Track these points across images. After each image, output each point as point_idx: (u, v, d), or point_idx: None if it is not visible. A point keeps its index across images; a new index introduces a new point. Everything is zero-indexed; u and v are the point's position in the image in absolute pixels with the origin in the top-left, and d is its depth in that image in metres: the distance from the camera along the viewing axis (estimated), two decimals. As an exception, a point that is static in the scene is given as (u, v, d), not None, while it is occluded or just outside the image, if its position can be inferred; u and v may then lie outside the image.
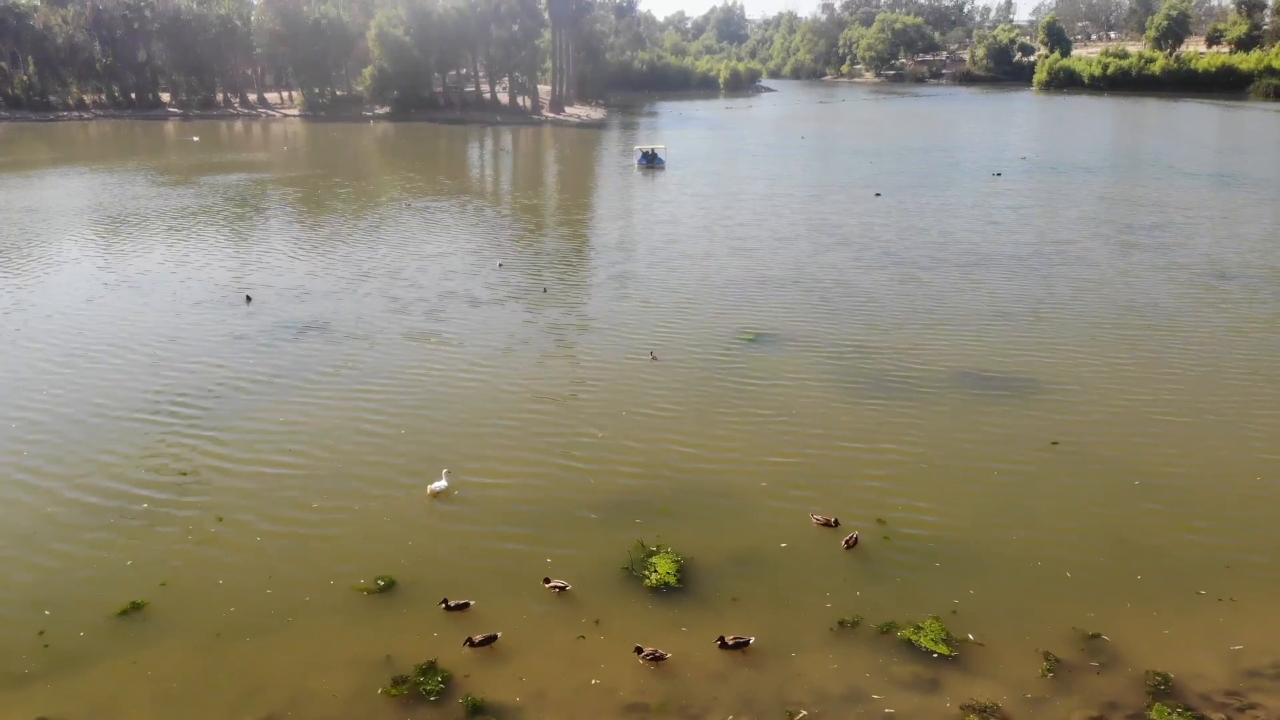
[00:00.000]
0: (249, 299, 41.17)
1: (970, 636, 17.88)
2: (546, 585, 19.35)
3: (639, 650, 17.21)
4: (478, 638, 17.58)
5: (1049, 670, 17.00)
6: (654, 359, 33.36)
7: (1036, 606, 18.99)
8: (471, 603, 18.78)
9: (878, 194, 72.44)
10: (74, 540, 21.47)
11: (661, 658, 17.09)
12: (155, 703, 16.41)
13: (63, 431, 27.33)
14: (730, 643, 17.40)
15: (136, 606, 18.89)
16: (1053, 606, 18.95)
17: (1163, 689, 16.58)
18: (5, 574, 20.18)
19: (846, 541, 20.83)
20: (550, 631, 18.24)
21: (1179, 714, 15.92)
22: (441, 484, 23.59)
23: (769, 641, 17.82)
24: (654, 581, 19.68)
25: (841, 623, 18.39)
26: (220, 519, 22.24)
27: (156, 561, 20.50)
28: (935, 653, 17.41)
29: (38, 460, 25.45)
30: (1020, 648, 17.66)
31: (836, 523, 21.50)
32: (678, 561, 20.33)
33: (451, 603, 18.69)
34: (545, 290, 43.27)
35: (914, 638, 17.80)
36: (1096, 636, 17.93)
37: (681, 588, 19.60)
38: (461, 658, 17.36)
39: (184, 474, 24.57)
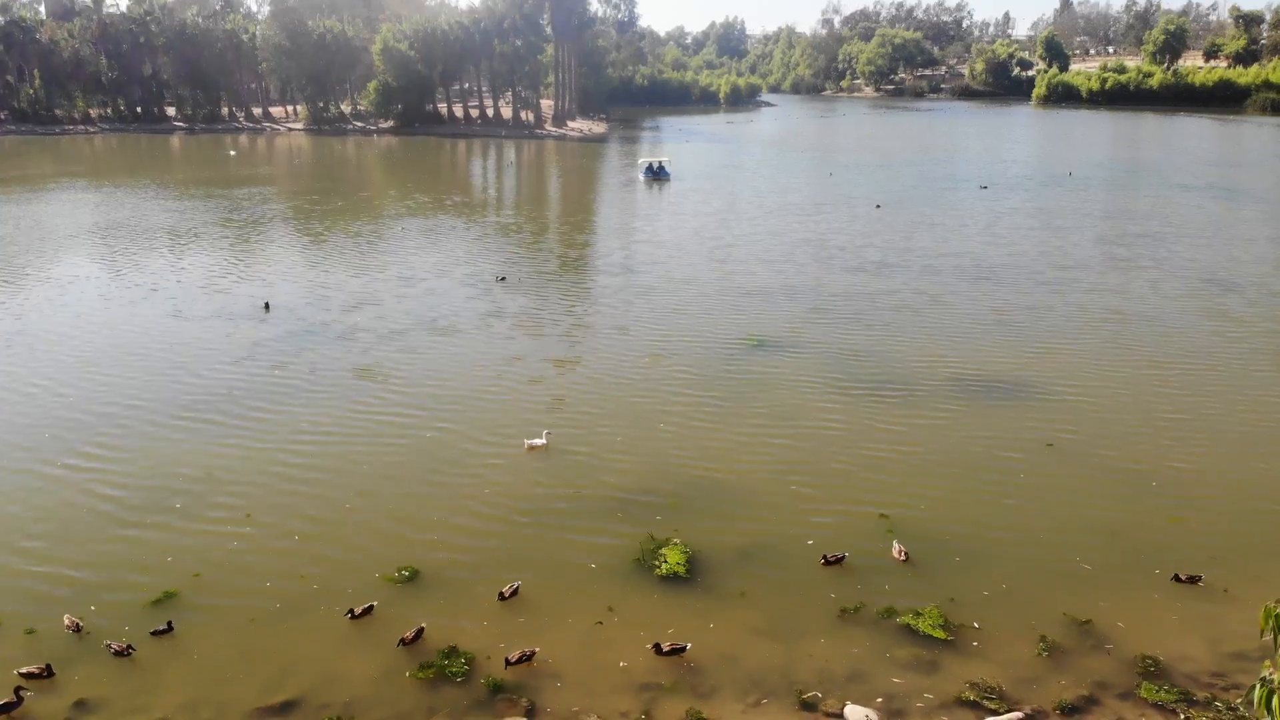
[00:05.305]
0: (267, 306, 42.17)
1: (975, 625, 18.72)
2: (501, 600, 19.62)
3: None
4: (408, 635, 18.23)
5: (1043, 652, 17.89)
6: (651, 360, 34.35)
7: (1031, 595, 19.87)
8: (374, 603, 19.26)
9: (878, 205, 73.51)
10: (109, 536, 22.40)
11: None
12: (191, 683, 17.26)
13: (93, 434, 28.26)
14: (666, 649, 17.73)
15: (169, 595, 19.76)
16: (1046, 595, 19.83)
17: (1152, 670, 17.47)
18: (46, 566, 21.09)
19: (828, 557, 20.98)
20: (567, 617, 19.13)
21: (1166, 691, 16.81)
22: (541, 440, 26.66)
23: (775, 627, 18.74)
24: (664, 571, 20.59)
25: (844, 610, 19.28)
26: (249, 515, 23.15)
27: (190, 555, 21.40)
28: (934, 637, 18.30)
29: (71, 460, 26.38)
30: (1015, 633, 18.56)
31: (908, 557, 21.10)
32: (686, 553, 21.22)
33: (356, 610, 19.03)
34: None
35: (913, 623, 18.70)
36: (1088, 623, 18.81)
37: (690, 578, 20.49)
38: (483, 643, 18.22)
39: (209, 474, 25.46)
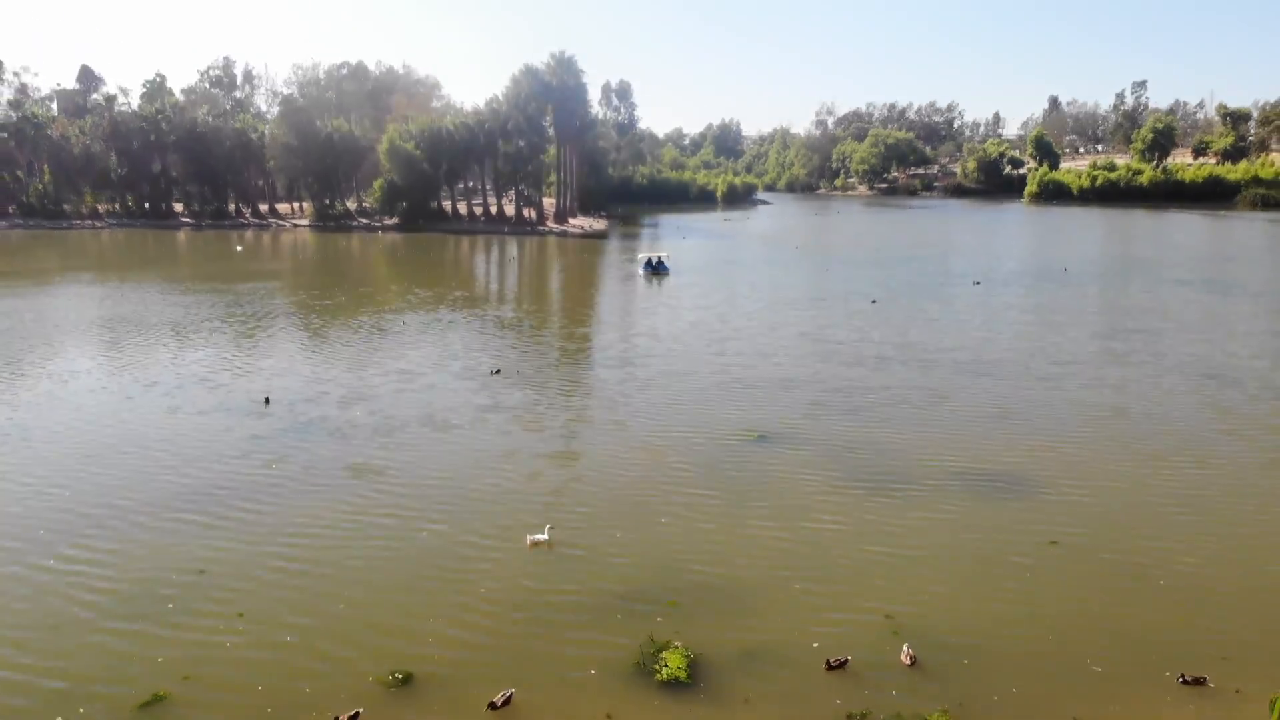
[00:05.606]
0: (267, 401, 42.18)
1: (977, 730, 18.28)
2: (493, 709, 19.02)
3: None
4: None
5: (1054, 762, 17.38)
6: (650, 455, 34.18)
7: (1040, 699, 19.41)
8: (360, 710, 18.73)
9: (873, 300, 74.24)
10: (99, 636, 21.97)
11: None
12: (177, 794, 16.72)
13: (86, 531, 27.96)
14: None
15: (159, 698, 19.28)
16: (1056, 699, 19.38)
17: (1166, 780, 16.93)
18: (33, 666, 20.64)
19: (831, 662, 20.65)
20: (565, 724, 18.64)
21: (1182, 804, 16.26)
22: (543, 536, 26.63)
23: (779, 734, 18.23)
24: (665, 676, 20.13)
25: (850, 716, 18.80)
26: (241, 615, 22.74)
27: (181, 656, 20.97)
28: (942, 745, 17.81)
29: (61, 560, 26.04)
30: (1025, 740, 18.04)
31: (915, 660, 20.74)
32: (688, 656, 20.77)
33: (342, 718, 18.53)
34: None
35: (922, 731, 18.20)
36: (1100, 729, 18.34)
37: (691, 683, 20.01)
38: (478, 750, 17.71)
39: (201, 572, 25.11)
